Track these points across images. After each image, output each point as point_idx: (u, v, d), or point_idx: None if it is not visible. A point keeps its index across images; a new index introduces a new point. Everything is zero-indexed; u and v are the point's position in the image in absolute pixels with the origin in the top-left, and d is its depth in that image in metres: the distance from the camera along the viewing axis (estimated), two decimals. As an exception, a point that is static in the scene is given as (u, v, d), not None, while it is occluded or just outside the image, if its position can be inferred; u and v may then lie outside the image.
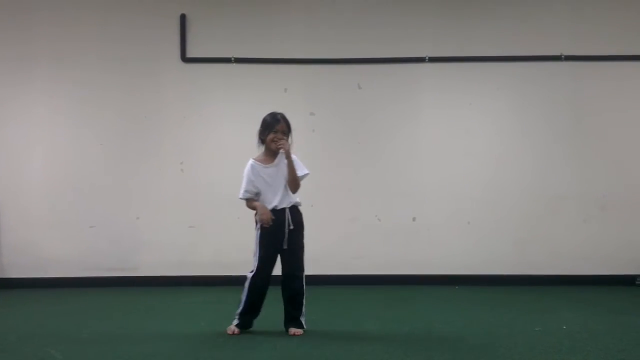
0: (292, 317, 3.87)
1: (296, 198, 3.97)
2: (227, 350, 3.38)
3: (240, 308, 3.89)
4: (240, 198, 3.94)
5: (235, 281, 6.41)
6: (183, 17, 6.83)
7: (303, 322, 3.88)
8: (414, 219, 6.74)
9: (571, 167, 6.74)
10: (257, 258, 3.87)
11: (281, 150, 3.89)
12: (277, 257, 3.91)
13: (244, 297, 3.89)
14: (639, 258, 6.53)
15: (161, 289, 6.33)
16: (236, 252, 6.56)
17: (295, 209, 3.94)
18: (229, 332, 3.84)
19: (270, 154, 3.95)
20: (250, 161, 3.97)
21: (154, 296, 5.88)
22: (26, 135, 6.80)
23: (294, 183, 3.91)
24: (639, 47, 6.76)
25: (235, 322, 3.89)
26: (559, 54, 6.76)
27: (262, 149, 3.99)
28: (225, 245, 6.59)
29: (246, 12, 6.88)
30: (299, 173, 3.93)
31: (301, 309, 3.88)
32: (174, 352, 3.32)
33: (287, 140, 3.90)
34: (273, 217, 3.83)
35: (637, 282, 6.47)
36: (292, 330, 3.82)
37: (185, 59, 6.83)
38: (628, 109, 6.75)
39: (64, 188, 6.76)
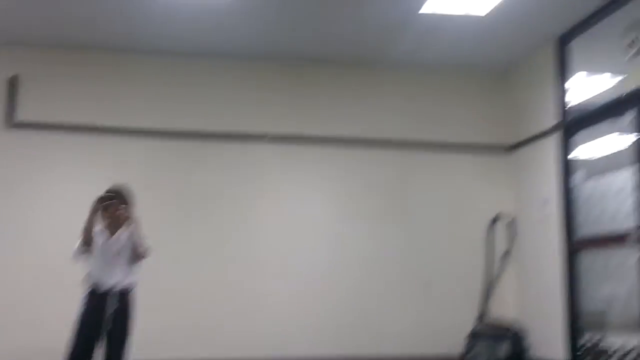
0: None
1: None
2: None
3: None
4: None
5: None
6: (14, 79, 6.52)
7: None
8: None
9: (398, 248, 6.91)
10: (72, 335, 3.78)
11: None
12: (96, 339, 3.80)
13: None
14: (464, 336, 6.70)
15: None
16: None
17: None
18: None
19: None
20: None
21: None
22: None
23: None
24: (468, 135, 7.19)
25: None
26: (388, 138, 7.04)
27: None
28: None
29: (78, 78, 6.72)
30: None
31: None
32: None
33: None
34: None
35: (463, 361, 6.60)
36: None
37: (13, 124, 6.49)
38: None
39: None
